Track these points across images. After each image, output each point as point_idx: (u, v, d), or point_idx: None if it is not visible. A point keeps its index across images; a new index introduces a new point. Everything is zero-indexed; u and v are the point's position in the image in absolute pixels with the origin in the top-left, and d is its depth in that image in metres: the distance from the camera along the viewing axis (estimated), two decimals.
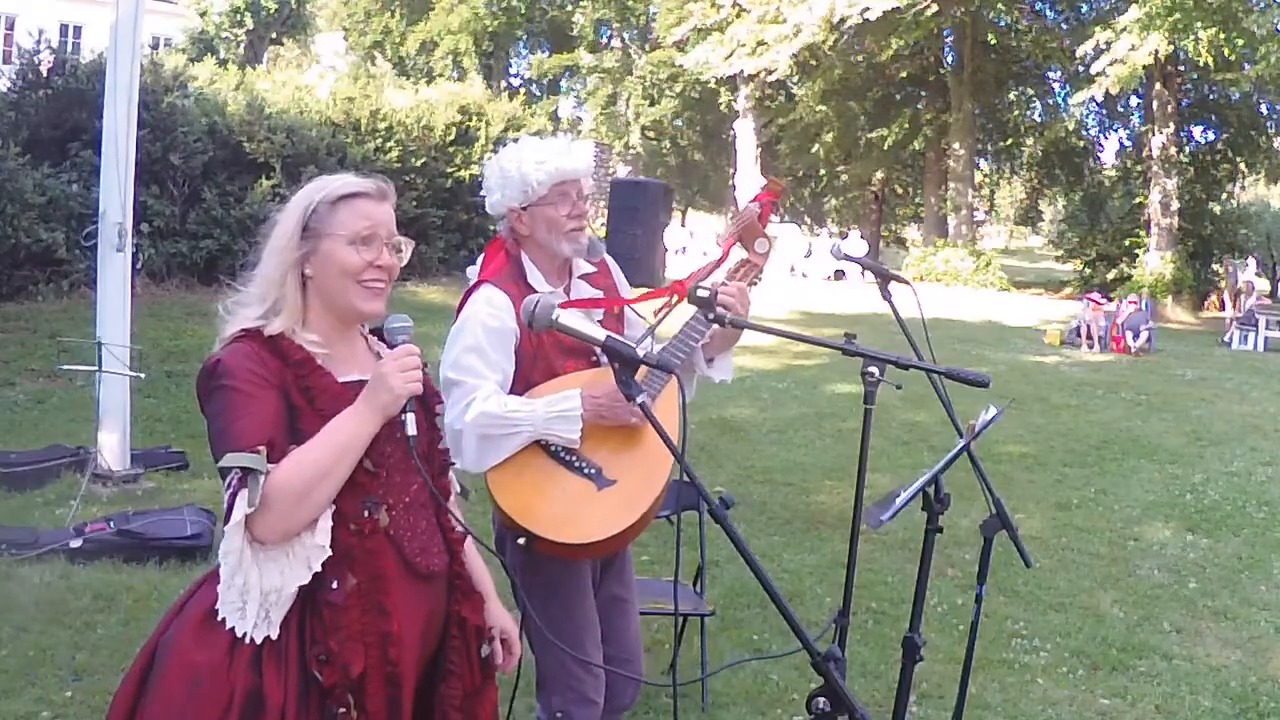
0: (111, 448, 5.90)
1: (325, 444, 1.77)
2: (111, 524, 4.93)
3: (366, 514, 1.84)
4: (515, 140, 2.75)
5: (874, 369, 2.73)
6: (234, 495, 1.71)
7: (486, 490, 2.47)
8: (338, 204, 1.89)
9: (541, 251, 2.66)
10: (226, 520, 1.73)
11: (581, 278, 2.75)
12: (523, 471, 2.44)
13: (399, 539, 1.88)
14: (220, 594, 1.75)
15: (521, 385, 2.55)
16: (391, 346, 1.89)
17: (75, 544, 4.78)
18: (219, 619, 1.76)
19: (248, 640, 1.74)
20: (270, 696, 1.73)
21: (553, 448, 2.46)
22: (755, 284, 2.77)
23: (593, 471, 2.45)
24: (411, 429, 1.83)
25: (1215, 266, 27.50)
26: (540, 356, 2.56)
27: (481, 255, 2.76)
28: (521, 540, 2.38)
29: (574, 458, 2.46)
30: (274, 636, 1.75)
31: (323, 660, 1.77)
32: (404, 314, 1.93)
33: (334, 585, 1.79)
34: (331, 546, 1.79)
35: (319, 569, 1.77)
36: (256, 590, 1.73)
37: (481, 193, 2.73)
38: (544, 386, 2.53)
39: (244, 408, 1.76)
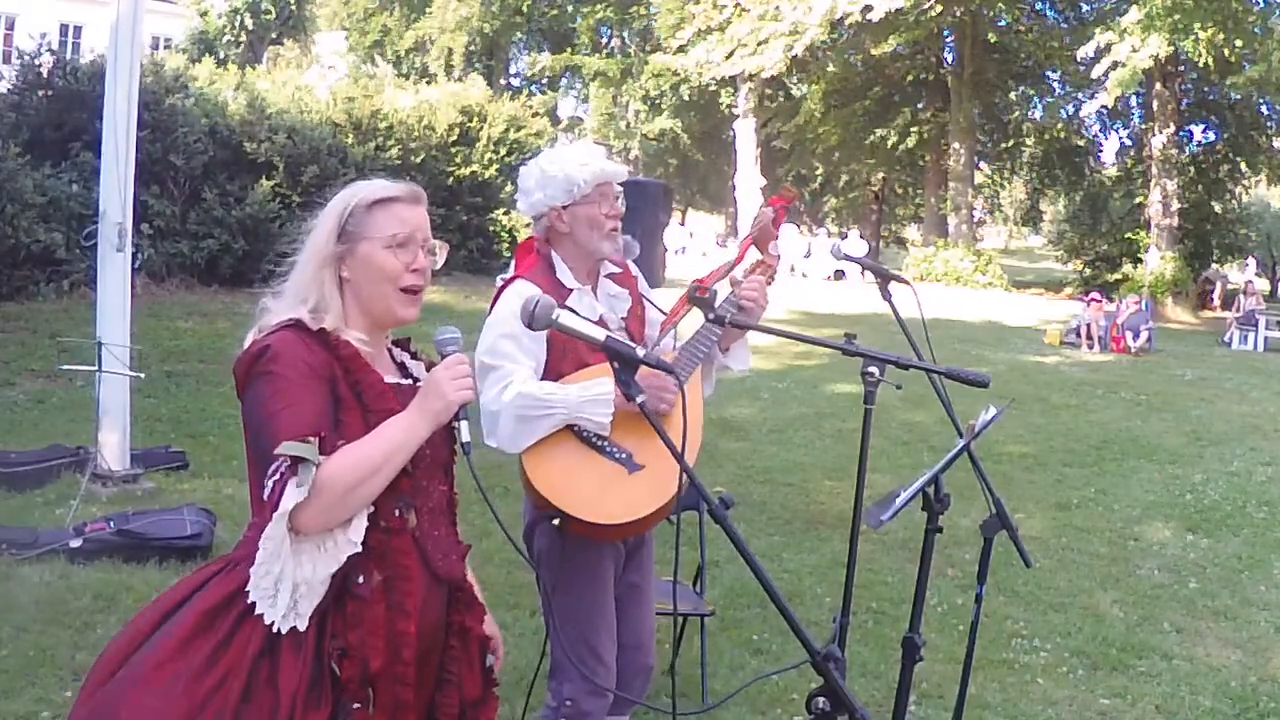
0: (111, 448, 5.90)
1: (377, 443, 1.78)
2: (111, 524, 4.92)
3: (398, 514, 1.85)
4: (551, 145, 2.89)
5: (874, 369, 2.74)
6: (282, 483, 1.70)
7: (521, 475, 2.55)
8: (373, 208, 1.91)
9: (576, 250, 2.77)
10: (267, 507, 1.72)
11: (607, 277, 2.87)
12: (556, 456, 2.54)
13: (423, 541, 1.90)
14: (252, 578, 1.74)
15: (551, 376, 2.66)
16: (443, 357, 1.90)
17: (75, 544, 4.77)
18: (238, 606, 1.75)
19: (275, 629, 1.73)
20: (284, 683, 1.72)
21: (584, 433, 2.56)
22: (771, 282, 2.90)
23: (623, 456, 2.55)
24: (465, 436, 1.85)
25: (1215, 266, 27.50)
26: (570, 350, 2.66)
27: (513, 258, 2.93)
28: (556, 521, 2.50)
29: (605, 443, 2.56)
30: (301, 629, 1.74)
31: (342, 654, 1.77)
32: (453, 325, 1.95)
33: (360, 580, 1.80)
34: (362, 543, 1.80)
35: (344, 560, 1.78)
36: (290, 580, 1.73)
37: (518, 195, 2.86)
38: (575, 375, 2.63)
39: (292, 396, 1.76)
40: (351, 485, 1.74)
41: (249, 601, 1.74)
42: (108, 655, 1.79)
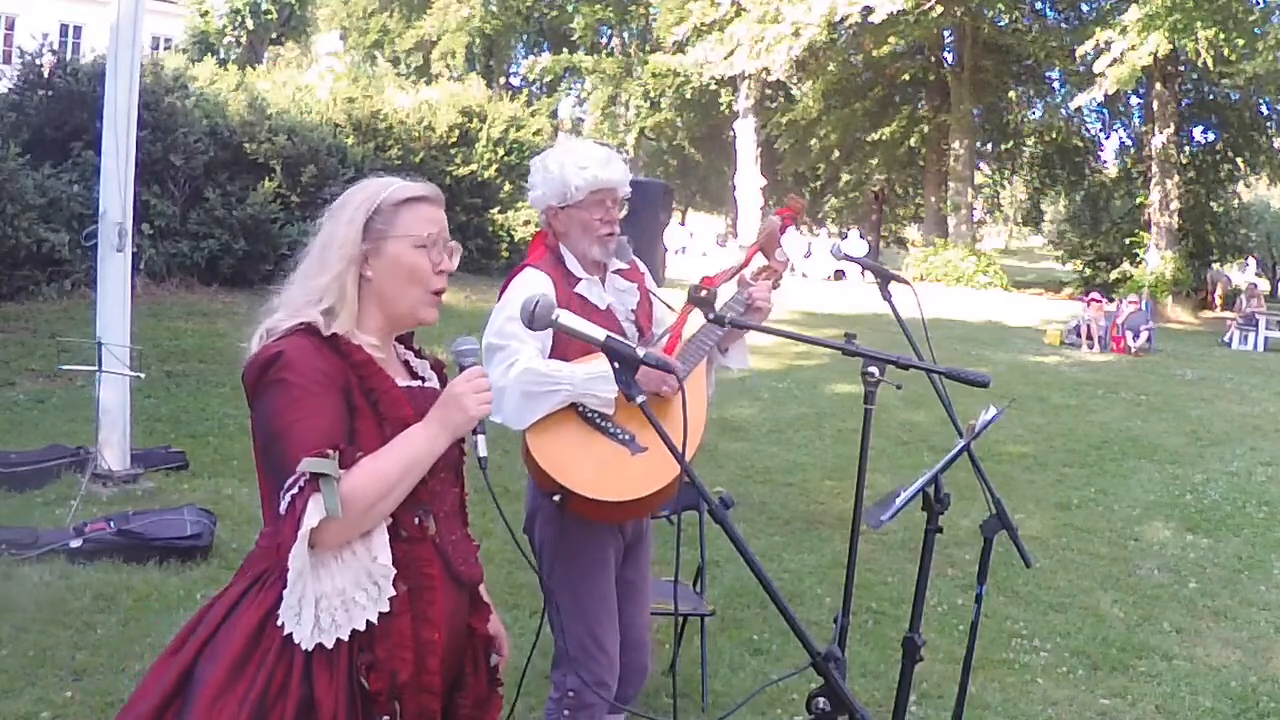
0: (111, 448, 5.90)
1: (397, 458, 1.75)
2: (111, 524, 4.92)
3: (417, 522, 1.83)
4: (557, 142, 2.92)
5: (874, 369, 2.74)
6: (303, 498, 1.66)
7: (523, 453, 2.57)
8: (402, 206, 1.87)
9: (576, 248, 2.81)
10: (286, 522, 1.68)
11: (615, 273, 2.91)
12: (560, 433, 2.57)
13: (444, 547, 1.88)
14: (283, 600, 1.72)
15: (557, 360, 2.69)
16: (462, 368, 1.86)
17: (75, 544, 4.77)
18: (271, 629, 1.72)
19: (303, 647, 1.70)
20: (322, 703, 1.70)
21: (589, 414, 2.59)
22: (776, 287, 2.97)
23: (626, 438, 2.58)
24: (483, 450, 1.84)
25: (1215, 266, 27.50)
26: None
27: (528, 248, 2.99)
28: (556, 497, 2.52)
29: (609, 424, 2.59)
30: (328, 644, 1.71)
31: (370, 667, 1.75)
32: (468, 336, 1.91)
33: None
34: None
35: (384, 585, 1.74)
36: (312, 596, 1.71)
37: (529, 188, 2.89)
38: (581, 359, 2.66)
39: (307, 407, 1.71)
40: (372, 502, 1.72)
41: (278, 623, 1.72)
42: (148, 690, 1.75)
